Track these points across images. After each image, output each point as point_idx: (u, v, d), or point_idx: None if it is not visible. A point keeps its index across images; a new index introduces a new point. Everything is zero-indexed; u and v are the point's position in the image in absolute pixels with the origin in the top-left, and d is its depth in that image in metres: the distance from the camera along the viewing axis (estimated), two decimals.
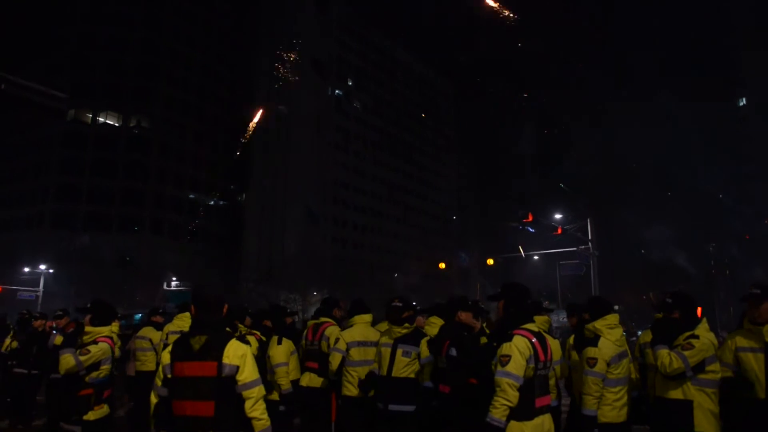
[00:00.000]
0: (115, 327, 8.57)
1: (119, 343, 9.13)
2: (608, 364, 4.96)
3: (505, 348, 4.09)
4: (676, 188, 61.84)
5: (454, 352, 5.08)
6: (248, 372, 3.75)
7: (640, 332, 15.09)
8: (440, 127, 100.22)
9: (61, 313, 9.70)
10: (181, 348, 3.80)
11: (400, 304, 5.93)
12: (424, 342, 5.85)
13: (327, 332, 7.00)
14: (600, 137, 69.88)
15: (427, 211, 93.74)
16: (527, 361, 4.06)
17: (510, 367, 4.00)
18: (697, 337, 4.66)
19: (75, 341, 5.50)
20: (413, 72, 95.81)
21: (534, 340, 4.19)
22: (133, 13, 66.37)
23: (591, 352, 5.03)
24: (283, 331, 7.11)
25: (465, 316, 5.59)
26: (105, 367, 5.42)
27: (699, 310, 5.31)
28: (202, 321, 3.89)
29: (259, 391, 3.77)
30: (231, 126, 74.83)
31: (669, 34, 74.35)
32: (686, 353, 4.55)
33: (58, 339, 8.39)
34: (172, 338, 8.41)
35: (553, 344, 5.05)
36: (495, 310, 4.74)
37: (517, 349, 4.06)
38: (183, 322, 8.62)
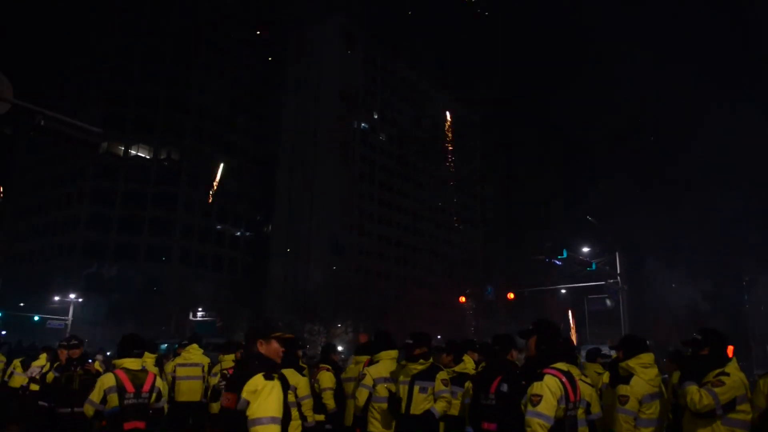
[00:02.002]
0: (148, 359, 8.50)
1: (156, 370, 9.09)
2: (640, 403, 4.87)
3: (536, 387, 3.99)
4: (709, 220, 60.53)
5: (505, 387, 5.00)
6: (255, 408, 3.55)
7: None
8: (466, 158, 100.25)
9: (76, 342, 8.04)
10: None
11: (411, 342, 5.96)
12: (438, 377, 5.83)
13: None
14: (629, 168, 69.12)
15: (452, 243, 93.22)
16: (558, 402, 3.96)
17: (541, 408, 3.90)
18: (727, 374, 4.55)
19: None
20: (438, 103, 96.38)
21: (564, 379, 4.09)
22: (164, 47, 68.33)
23: (623, 389, 4.96)
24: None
25: (516, 355, 5.55)
26: (111, 396, 5.43)
27: (731, 348, 5.17)
28: (245, 354, 4.05)
29: (263, 430, 3.51)
30: (259, 157, 76.01)
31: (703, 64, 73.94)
32: (717, 390, 4.44)
33: (33, 386, 8.44)
34: (180, 371, 8.46)
35: (583, 386, 4.94)
36: (526, 348, 4.64)
37: (549, 388, 3.96)
38: (190, 354, 8.64)
